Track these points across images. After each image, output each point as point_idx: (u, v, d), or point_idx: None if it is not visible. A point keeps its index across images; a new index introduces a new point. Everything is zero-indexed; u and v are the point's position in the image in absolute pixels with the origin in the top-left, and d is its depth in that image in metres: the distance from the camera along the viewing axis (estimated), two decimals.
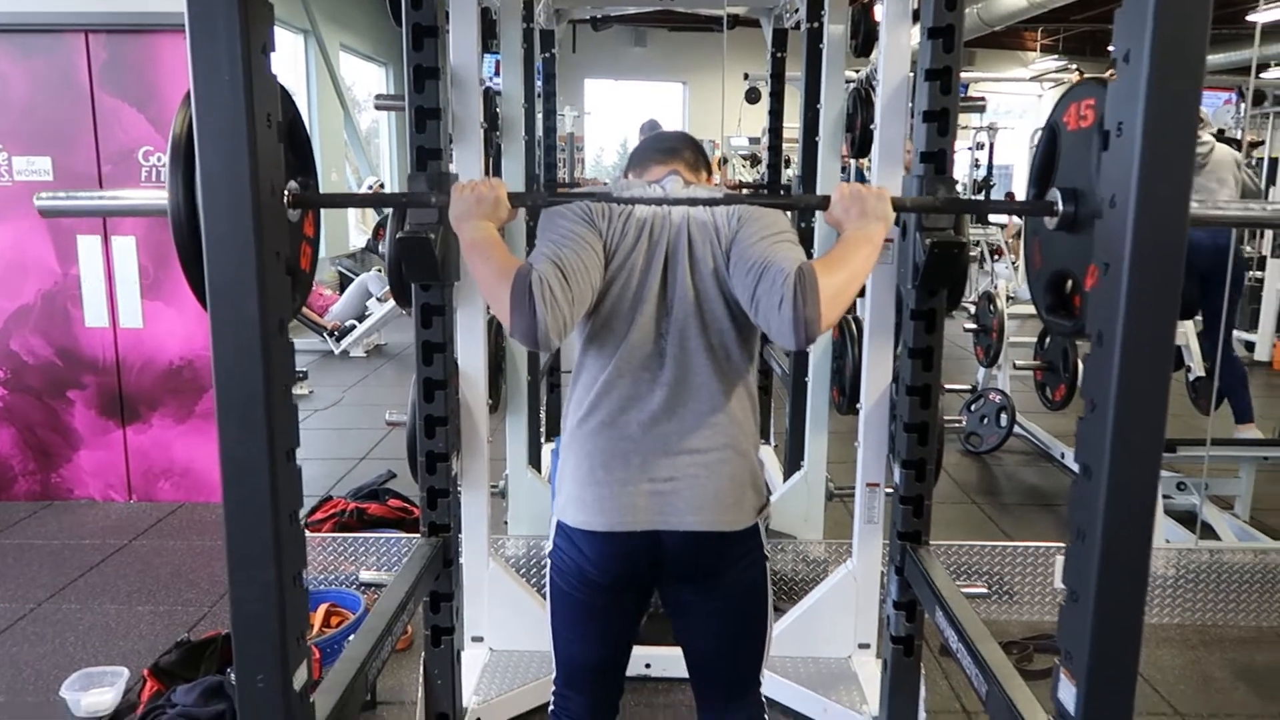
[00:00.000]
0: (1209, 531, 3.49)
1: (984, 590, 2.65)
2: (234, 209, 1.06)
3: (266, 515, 1.13)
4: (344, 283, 8.80)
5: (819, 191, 3.33)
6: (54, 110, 3.87)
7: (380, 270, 8.20)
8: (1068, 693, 1.18)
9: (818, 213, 3.35)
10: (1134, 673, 1.12)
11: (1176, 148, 1.04)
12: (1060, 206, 1.39)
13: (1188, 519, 3.52)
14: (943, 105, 1.93)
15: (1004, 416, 4.68)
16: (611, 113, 16.11)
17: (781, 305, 1.31)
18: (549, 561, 1.61)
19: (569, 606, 1.60)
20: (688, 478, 1.50)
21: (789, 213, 1.59)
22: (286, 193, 1.23)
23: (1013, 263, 9.58)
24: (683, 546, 1.51)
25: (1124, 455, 1.07)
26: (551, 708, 1.70)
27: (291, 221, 1.28)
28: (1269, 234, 6.93)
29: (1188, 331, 4.55)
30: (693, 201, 1.50)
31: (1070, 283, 1.48)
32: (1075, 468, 1.16)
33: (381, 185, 10.22)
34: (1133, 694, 1.12)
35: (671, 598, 1.61)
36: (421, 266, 1.91)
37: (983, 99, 4.78)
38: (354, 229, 10.47)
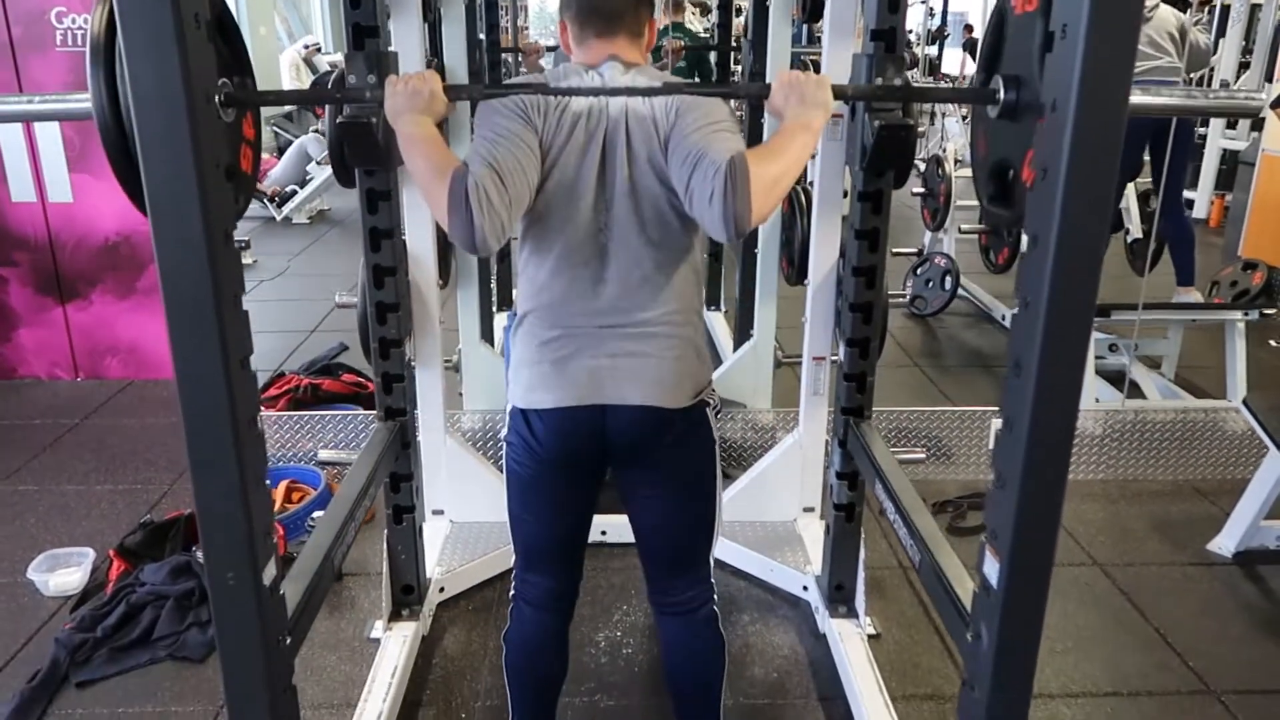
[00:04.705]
0: (1136, 390, 3.67)
1: (921, 455, 2.79)
2: (169, 122, 1.02)
3: (226, 425, 1.15)
4: (281, 144, 8.46)
5: (769, 51, 3.28)
6: None
7: (319, 130, 7.90)
8: (992, 567, 1.27)
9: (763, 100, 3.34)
10: (1052, 553, 1.22)
11: (1119, 50, 1.04)
12: (1002, 95, 1.36)
13: (1117, 378, 3.68)
14: None
15: (949, 280, 4.77)
16: None
17: (712, 199, 1.32)
18: (505, 447, 1.65)
19: (524, 486, 1.65)
20: (628, 355, 1.53)
21: (730, 101, 1.56)
22: (220, 94, 1.18)
23: (963, 118, 9.51)
24: (626, 422, 1.56)
25: (1052, 356, 1.12)
26: (512, 592, 1.75)
27: (227, 122, 1.23)
28: None
29: (1128, 194, 4.61)
30: (631, 91, 1.47)
31: (1011, 172, 1.48)
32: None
33: (318, 46, 9.67)
34: (1049, 572, 1.22)
35: (621, 477, 1.67)
36: (364, 151, 1.85)
37: None
38: (289, 84, 9.92)
